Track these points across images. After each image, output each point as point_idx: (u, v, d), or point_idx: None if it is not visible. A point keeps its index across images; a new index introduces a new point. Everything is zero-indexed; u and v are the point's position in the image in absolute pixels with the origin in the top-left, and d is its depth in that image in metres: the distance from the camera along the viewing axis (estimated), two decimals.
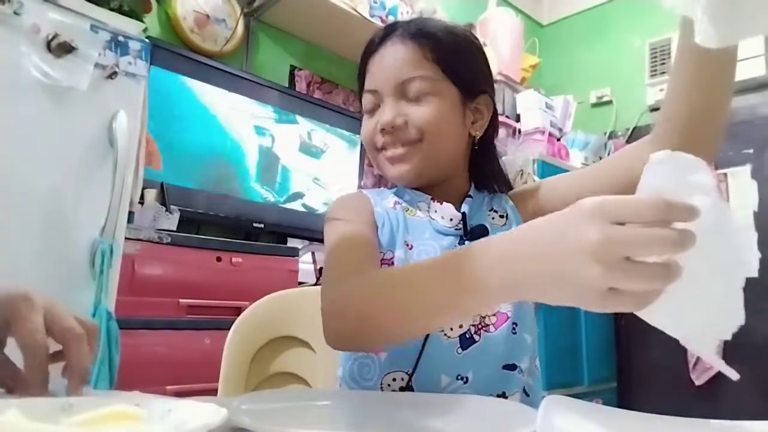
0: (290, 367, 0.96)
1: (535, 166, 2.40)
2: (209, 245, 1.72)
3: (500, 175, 0.83)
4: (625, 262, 0.36)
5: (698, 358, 2.40)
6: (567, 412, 0.44)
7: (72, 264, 1.25)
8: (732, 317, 0.38)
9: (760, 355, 2.16)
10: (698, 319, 0.38)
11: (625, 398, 2.63)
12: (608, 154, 2.86)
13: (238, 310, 1.02)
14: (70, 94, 1.26)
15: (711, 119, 0.61)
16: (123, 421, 0.37)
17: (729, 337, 0.38)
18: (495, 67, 2.62)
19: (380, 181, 0.88)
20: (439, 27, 0.78)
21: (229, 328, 0.93)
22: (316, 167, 2.39)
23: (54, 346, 0.50)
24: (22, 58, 1.20)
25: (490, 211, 0.79)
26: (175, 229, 1.72)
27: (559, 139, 2.80)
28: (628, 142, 2.97)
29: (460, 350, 0.68)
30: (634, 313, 0.38)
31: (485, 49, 0.86)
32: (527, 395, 0.72)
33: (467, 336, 0.69)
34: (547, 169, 2.38)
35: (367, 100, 0.78)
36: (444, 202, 0.76)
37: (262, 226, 2.11)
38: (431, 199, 0.77)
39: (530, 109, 2.76)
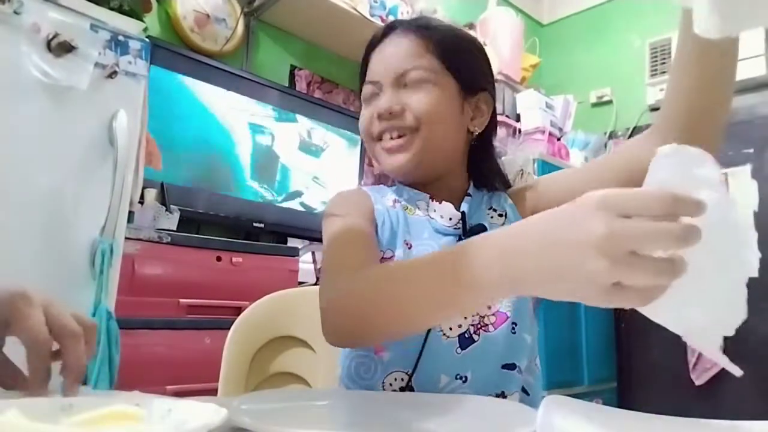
0: (290, 367, 0.96)
1: (536, 165, 2.39)
2: (209, 245, 1.72)
3: (499, 173, 0.83)
4: (631, 256, 0.36)
5: (698, 358, 2.40)
6: (567, 412, 0.44)
7: (72, 264, 1.25)
8: (735, 313, 0.37)
9: (760, 355, 2.16)
10: (702, 315, 0.38)
11: (625, 398, 2.63)
12: None
13: (238, 310, 1.02)
14: (70, 94, 1.26)
15: (711, 117, 0.61)
16: (123, 421, 0.37)
17: (732, 333, 0.37)
18: (495, 66, 2.62)
19: (380, 181, 0.87)
20: (441, 24, 0.79)
21: (229, 328, 0.93)
22: (316, 166, 2.39)
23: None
24: (22, 58, 1.19)
25: (489, 209, 0.79)
26: (175, 228, 1.72)
27: (559, 139, 2.80)
28: None
29: (459, 350, 0.68)
30: (637, 309, 0.38)
31: (485, 49, 0.86)
32: (527, 394, 0.72)
33: (466, 336, 0.69)
34: (547, 168, 2.38)
35: (367, 90, 0.78)
36: (443, 201, 0.76)
37: (262, 225, 2.11)
38: (430, 198, 0.77)
39: (530, 108, 2.76)
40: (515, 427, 0.45)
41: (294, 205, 2.28)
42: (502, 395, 0.69)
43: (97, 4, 1.32)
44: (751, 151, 2.48)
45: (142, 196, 1.63)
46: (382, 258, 0.73)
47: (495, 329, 0.70)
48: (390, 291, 0.55)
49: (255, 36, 2.38)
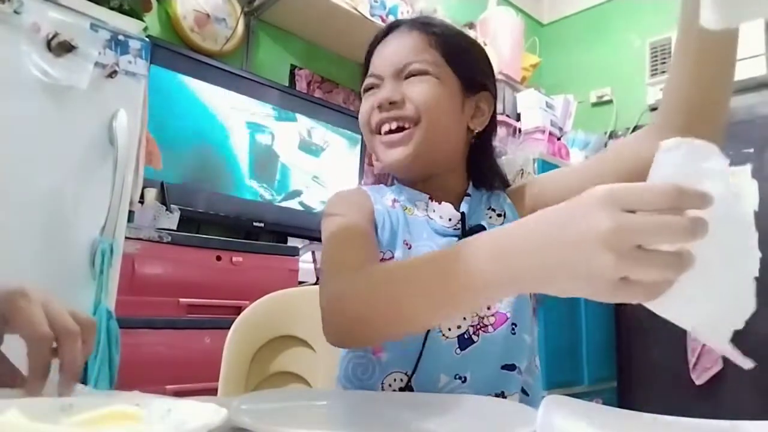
0: (290, 366, 0.96)
1: (536, 165, 2.39)
2: (209, 244, 1.72)
3: (498, 173, 0.82)
4: (637, 250, 0.35)
5: (698, 358, 2.40)
6: (567, 412, 0.44)
7: (72, 264, 1.25)
8: (744, 305, 0.37)
9: (761, 355, 2.15)
10: (710, 309, 0.37)
11: (625, 398, 2.63)
12: None
13: (238, 310, 1.02)
14: (70, 93, 1.26)
15: (710, 116, 0.61)
16: (123, 421, 0.37)
17: (741, 326, 0.37)
18: (495, 66, 2.61)
19: (380, 181, 0.87)
20: (444, 23, 0.80)
21: (229, 328, 0.93)
22: (316, 165, 2.39)
23: None
24: (22, 57, 1.19)
25: (488, 209, 0.78)
26: (175, 228, 1.72)
27: (559, 139, 2.80)
28: None
29: (458, 350, 0.68)
30: (644, 304, 0.38)
31: (486, 48, 0.86)
32: (526, 394, 0.72)
33: (465, 336, 0.69)
34: (547, 168, 2.38)
35: (367, 82, 0.78)
36: (442, 202, 0.75)
37: (262, 225, 2.11)
38: (429, 198, 0.77)
39: (530, 108, 2.76)
40: (515, 427, 0.45)
41: (293, 204, 2.28)
42: (502, 396, 0.69)
43: (97, 3, 1.32)
44: (751, 151, 2.48)
45: (142, 196, 1.63)
46: (382, 259, 0.72)
47: (494, 330, 0.70)
48: (389, 291, 0.55)
49: (255, 36, 2.38)
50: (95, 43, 1.30)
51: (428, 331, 0.67)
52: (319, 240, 0.89)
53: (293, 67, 2.50)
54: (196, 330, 1.59)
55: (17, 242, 1.17)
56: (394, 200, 0.79)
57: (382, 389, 0.70)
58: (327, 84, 2.60)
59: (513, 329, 0.70)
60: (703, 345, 2.35)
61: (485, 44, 2.68)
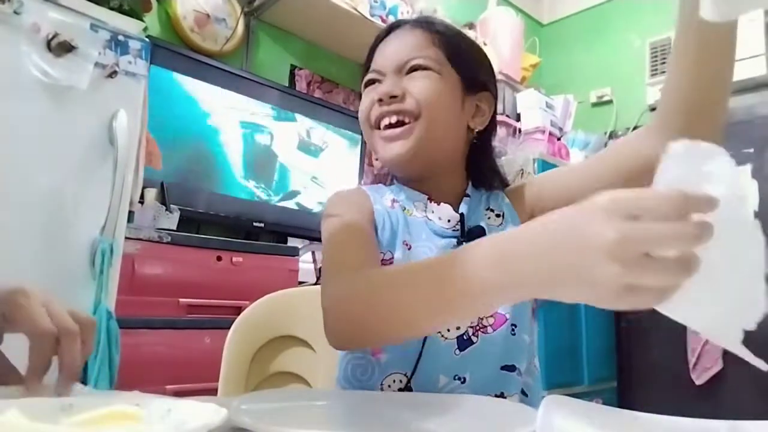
0: (290, 366, 0.96)
1: (536, 165, 2.39)
2: (209, 245, 1.72)
3: (497, 173, 0.82)
4: (643, 257, 0.35)
5: (698, 358, 2.40)
6: (567, 412, 0.44)
7: (72, 264, 1.25)
8: (754, 306, 0.36)
9: (760, 356, 2.15)
10: (719, 311, 0.37)
11: (625, 398, 2.63)
12: None
13: (238, 310, 1.02)
14: (70, 94, 1.26)
15: (709, 116, 0.61)
16: (123, 421, 0.37)
17: (753, 327, 0.37)
18: (495, 66, 2.61)
19: (379, 181, 0.87)
20: (446, 23, 0.80)
21: (229, 328, 0.93)
22: (315, 166, 2.39)
23: None
24: (22, 58, 1.20)
25: (487, 210, 0.78)
26: (175, 228, 1.72)
27: (559, 139, 2.80)
28: None
29: (457, 351, 0.68)
30: (653, 307, 0.37)
31: (486, 48, 0.86)
32: (525, 395, 0.72)
33: (465, 337, 0.69)
34: (547, 168, 2.37)
35: (368, 78, 0.78)
36: (441, 203, 0.75)
37: (262, 225, 2.11)
38: (428, 199, 0.76)
39: (530, 108, 2.76)
40: (515, 427, 0.45)
41: (291, 204, 2.28)
42: (501, 397, 0.69)
43: (97, 3, 1.32)
44: (751, 151, 2.48)
45: (142, 196, 1.63)
46: (382, 260, 0.72)
47: (494, 331, 0.70)
48: (389, 296, 0.55)
49: (255, 36, 2.38)
50: (95, 43, 1.30)
51: None
52: (319, 240, 0.89)
53: (293, 67, 2.50)
54: (196, 330, 1.59)
55: (17, 242, 1.17)
56: (394, 200, 0.78)
57: (382, 390, 0.69)
58: (327, 84, 2.60)
59: (513, 330, 0.70)
60: (704, 345, 2.35)
61: (485, 44, 2.68)
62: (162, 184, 1.81)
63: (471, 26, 2.80)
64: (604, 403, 0.55)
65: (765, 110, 2.55)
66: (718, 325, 0.38)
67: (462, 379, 0.68)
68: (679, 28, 0.58)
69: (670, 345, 2.46)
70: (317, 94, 2.53)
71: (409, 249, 0.73)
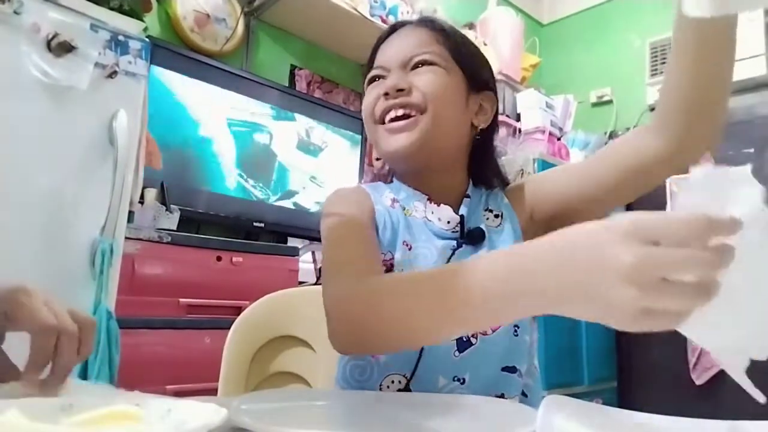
0: (290, 366, 0.96)
1: (536, 165, 2.39)
2: (209, 245, 1.72)
3: (498, 172, 0.82)
4: (660, 282, 0.35)
5: (698, 358, 2.40)
6: (567, 412, 0.44)
7: (72, 264, 1.25)
8: None
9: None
10: (734, 335, 0.36)
11: (625, 398, 2.63)
12: None
13: (238, 310, 1.02)
14: (70, 94, 1.26)
15: (708, 115, 0.61)
16: (123, 421, 0.37)
17: (765, 358, 0.36)
18: (495, 66, 2.62)
19: (378, 180, 0.86)
20: (449, 24, 0.80)
21: (229, 328, 0.93)
22: (314, 165, 2.39)
23: None
24: (22, 58, 1.20)
25: (486, 211, 0.77)
26: (175, 228, 1.72)
27: (559, 139, 2.80)
28: None
29: (457, 353, 0.68)
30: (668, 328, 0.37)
31: (486, 48, 0.86)
32: (525, 396, 0.71)
33: (464, 339, 0.68)
34: (547, 168, 2.37)
35: (373, 74, 0.77)
36: (441, 204, 0.75)
37: (262, 225, 2.11)
38: (428, 200, 0.76)
39: (530, 108, 2.76)
40: (515, 427, 0.45)
41: (289, 204, 2.28)
42: (502, 398, 0.68)
43: (97, 4, 1.32)
44: (751, 151, 2.48)
45: (142, 196, 1.63)
46: (383, 260, 0.72)
47: (493, 332, 0.69)
48: (393, 304, 0.55)
49: (255, 36, 2.38)
50: (95, 43, 1.30)
51: None
52: (318, 240, 0.89)
53: (293, 67, 2.50)
54: (196, 330, 1.59)
55: (17, 242, 1.17)
56: (394, 200, 0.78)
57: (380, 391, 0.69)
58: (327, 84, 2.60)
59: (515, 331, 0.70)
60: None
61: (485, 44, 2.68)
62: (162, 184, 1.81)
63: (471, 26, 2.80)
64: (604, 403, 0.55)
65: (765, 110, 2.55)
66: (729, 349, 0.37)
67: (461, 381, 0.68)
68: (677, 26, 0.58)
69: (670, 345, 2.46)
70: (317, 94, 2.53)
71: (410, 249, 0.73)
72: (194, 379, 1.48)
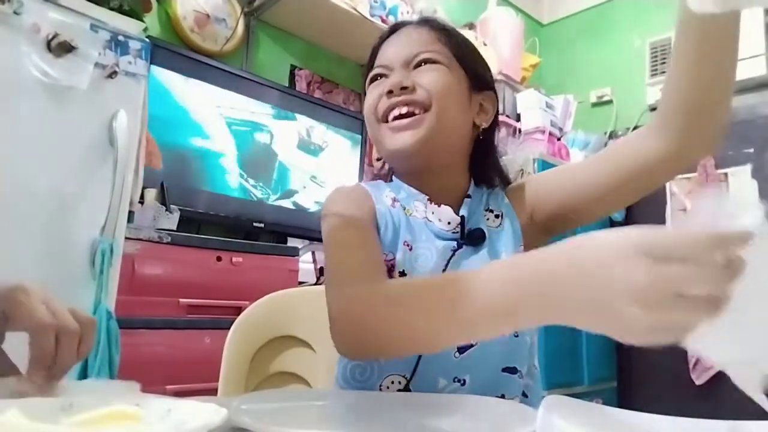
0: (290, 367, 0.96)
1: (536, 165, 2.39)
2: (209, 245, 1.72)
3: (500, 171, 0.82)
4: (670, 298, 0.35)
5: (698, 358, 2.40)
6: (567, 412, 0.44)
7: (72, 264, 1.25)
8: None
9: None
10: (742, 348, 0.36)
11: (625, 398, 2.63)
12: None
13: (238, 310, 1.02)
14: (70, 94, 1.26)
15: (710, 116, 0.61)
16: (123, 421, 0.37)
17: None
18: (495, 66, 2.62)
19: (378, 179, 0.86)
20: (449, 25, 0.80)
21: (229, 328, 0.93)
22: (314, 165, 2.39)
23: None
24: (22, 58, 1.20)
25: (486, 211, 0.77)
26: (175, 228, 1.72)
27: (559, 139, 2.80)
28: None
29: (457, 354, 0.68)
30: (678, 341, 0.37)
31: (486, 48, 0.86)
32: (525, 396, 0.71)
33: None
34: (547, 168, 2.36)
35: (375, 72, 0.77)
36: (442, 205, 0.74)
37: (262, 225, 2.11)
38: (428, 200, 0.76)
39: (530, 108, 2.76)
40: (515, 427, 0.45)
41: (289, 204, 2.29)
42: (502, 398, 0.68)
43: (97, 4, 1.32)
44: (751, 150, 2.48)
45: (142, 196, 1.63)
46: (384, 260, 0.72)
47: None
48: (402, 312, 0.55)
49: (255, 36, 2.38)
50: (95, 43, 1.30)
51: None
52: (319, 240, 0.89)
53: (293, 68, 2.50)
54: (196, 330, 1.59)
55: (17, 242, 1.17)
56: (394, 199, 0.77)
57: (380, 391, 0.69)
58: (327, 84, 2.60)
59: (516, 332, 0.70)
60: None
61: (485, 44, 2.68)
62: (162, 184, 1.81)
63: (471, 26, 2.80)
64: (604, 403, 0.55)
65: (765, 110, 2.55)
66: (739, 363, 0.37)
67: (461, 382, 0.67)
68: (679, 27, 0.58)
69: (670, 345, 2.46)
70: (317, 94, 2.53)
71: (410, 250, 0.72)
72: (194, 379, 1.48)
